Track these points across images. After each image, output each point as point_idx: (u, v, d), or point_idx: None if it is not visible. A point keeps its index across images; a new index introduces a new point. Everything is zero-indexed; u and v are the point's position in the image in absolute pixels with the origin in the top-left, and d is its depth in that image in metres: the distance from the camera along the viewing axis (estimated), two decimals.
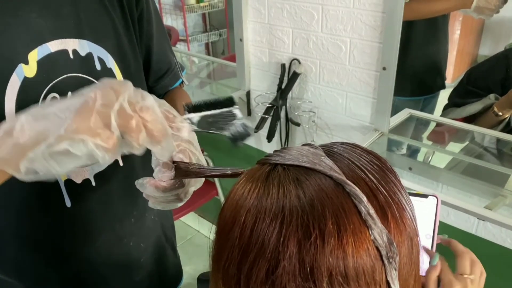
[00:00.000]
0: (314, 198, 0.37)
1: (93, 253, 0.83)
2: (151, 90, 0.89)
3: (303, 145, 0.45)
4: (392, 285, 0.37)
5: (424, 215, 0.64)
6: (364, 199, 0.37)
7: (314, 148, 0.43)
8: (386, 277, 0.37)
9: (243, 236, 0.38)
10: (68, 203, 0.77)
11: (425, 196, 0.64)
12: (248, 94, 1.75)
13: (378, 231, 0.36)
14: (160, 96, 0.92)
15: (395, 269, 0.37)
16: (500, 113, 1.27)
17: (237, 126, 0.55)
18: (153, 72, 0.88)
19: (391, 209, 0.38)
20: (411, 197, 0.66)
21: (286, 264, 0.35)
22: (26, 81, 0.67)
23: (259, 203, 0.38)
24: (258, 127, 1.64)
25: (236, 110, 0.54)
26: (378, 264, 0.36)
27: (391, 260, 0.37)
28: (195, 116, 0.53)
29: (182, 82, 0.95)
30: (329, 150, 0.43)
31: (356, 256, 0.35)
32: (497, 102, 1.29)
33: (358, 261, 0.36)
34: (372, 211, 0.37)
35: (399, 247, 0.38)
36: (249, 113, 1.79)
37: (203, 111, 0.54)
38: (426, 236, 0.64)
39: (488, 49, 1.55)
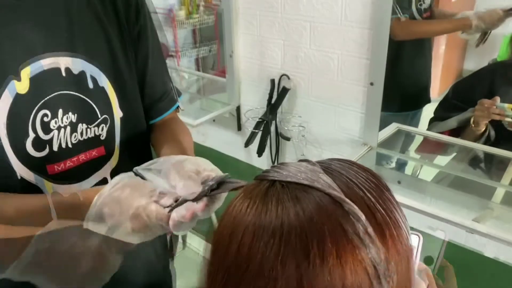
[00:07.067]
0: (313, 216, 0.37)
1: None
2: (146, 112, 0.88)
3: (300, 161, 0.45)
4: None
5: None
6: (363, 217, 0.37)
7: (312, 164, 0.43)
8: None
9: (240, 254, 0.38)
10: (54, 217, 0.77)
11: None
12: (238, 109, 1.76)
13: (376, 250, 0.37)
14: (155, 119, 0.91)
15: None
16: (473, 125, 1.29)
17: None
18: (147, 94, 0.87)
19: (389, 228, 0.39)
20: None
21: (284, 283, 0.35)
22: (18, 97, 0.67)
23: (258, 220, 0.38)
24: (249, 142, 1.65)
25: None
26: (376, 282, 0.36)
27: (388, 279, 0.37)
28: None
29: (178, 107, 0.94)
30: (327, 167, 0.43)
31: (354, 275, 0.35)
32: (473, 116, 1.31)
33: (356, 280, 0.35)
34: (370, 229, 0.37)
35: (396, 265, 0.38)
36: (239, 128, 1.80)
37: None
38: None
39: (472, 64, 1.59)
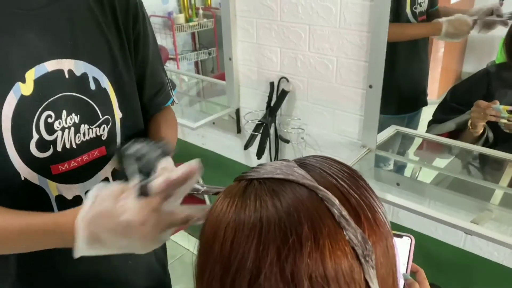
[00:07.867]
0: (290, 205, 0.39)
1: (79, 269, 0.83)
2: (144, 108, 0.90)
3: (278, 160, 0.47)
4: (370, 283, 0.38)
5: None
6: (336, 201, 0.39)
7: (288, 161, 0.46)
8: (364, 276, 0.38)
9: (224, 250, 0.39)
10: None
11: (399, 236, 0.63)
12: (237, 111, 1.76)
13: (352, 231, 0.38)
14: (152, 114, 0.93)
15: (373, 267, 0.38)
16: (471, 127, 1.30)
17: None
18: (146, 93, 0.90)
19: (364, 211, 0.40)
20: None
21: (267, 271, 0.36)
22: (22, 99, 0.69)
23: (238, 216, 0.40)
24: (248, 144, 1.65)
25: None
26: (356, 263, 0.38)
27: (367, 258, 0.38)
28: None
29: (173, 100, 0.97)
30: (302, 162, 0.45)
31: (334, 256, 0.37)
32: (470, 118, 1.32)
33: (336, 261, 0.37)
34: (345, 212, 0.39)
35: (374, 246, 0.39)
36: (238, 130, 1.80)
37: None
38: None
39: (471, 66, 1.60)
